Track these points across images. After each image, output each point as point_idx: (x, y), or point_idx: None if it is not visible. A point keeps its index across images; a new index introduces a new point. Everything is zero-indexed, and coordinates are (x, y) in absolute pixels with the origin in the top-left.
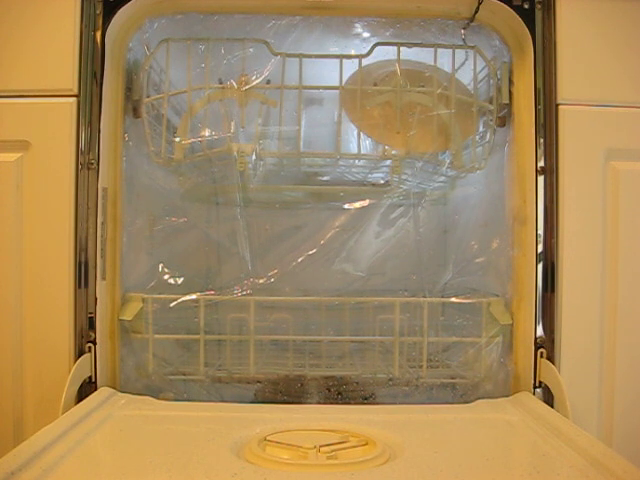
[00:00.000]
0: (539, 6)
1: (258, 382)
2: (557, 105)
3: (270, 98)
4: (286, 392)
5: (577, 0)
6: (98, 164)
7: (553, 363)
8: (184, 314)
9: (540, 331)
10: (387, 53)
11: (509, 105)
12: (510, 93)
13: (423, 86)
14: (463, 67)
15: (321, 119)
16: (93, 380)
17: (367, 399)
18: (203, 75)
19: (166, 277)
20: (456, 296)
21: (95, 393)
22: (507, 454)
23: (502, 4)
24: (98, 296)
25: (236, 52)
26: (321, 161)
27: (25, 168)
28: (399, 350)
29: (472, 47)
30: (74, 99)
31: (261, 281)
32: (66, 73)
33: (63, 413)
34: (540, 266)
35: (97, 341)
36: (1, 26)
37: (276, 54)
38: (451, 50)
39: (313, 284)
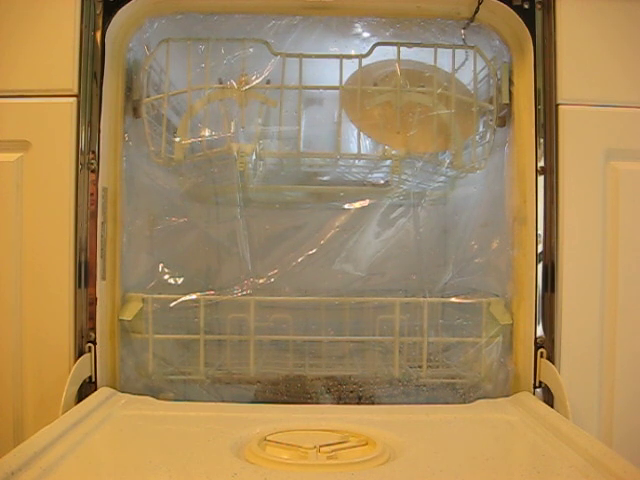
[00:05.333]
0: (539, 6)
1: (258, 382)
2: (557, 105)
3: (270, 98)
4: (286, 392)
5: (577, 0)
6: (98, 164)
7: (553, 363)
8: (184, 314)
9: (540, 331)
10: (387, 53)
11: (509, 105)
12: (510, 93)
13: (423, 86)
14: (463, 67)
15: (321, 119)
16: (93, 380)
17: (367, 399)
18: (203, 75)
19: (166, 277)
20: (456, 296)
21: (95, 393)
22: (507, 454)
23: (502, 4)
24: (98, 296)
25: (236, 52)
26: (321, 161)
27: (25, 168)
28: (399, 350)
29: (472, 47)
30: (74, 99)
31: (261, 281)
32: (66, 73)
33: (63, 413)
34: (540, 266)
35: (97, 341)
36: (1, 26)
37: (276, 54)
38: (451, 50)
39: (313, 284)
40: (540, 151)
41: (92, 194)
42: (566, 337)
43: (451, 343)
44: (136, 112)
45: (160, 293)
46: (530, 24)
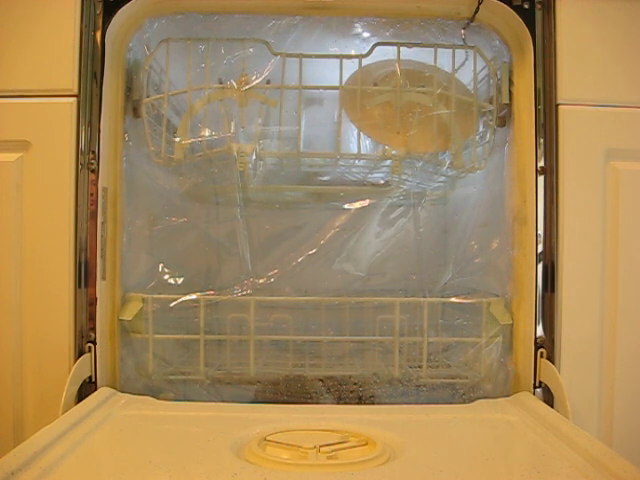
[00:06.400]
0: (539, 6)
1: (258, 382)
2: (557, 105)
3: (270, 98)
4: (286, 392)
5: (577, 0)
6: (98, 164)
7: (553, 363)
8: (184, 314)
9: (540, 331)
10: (387, 53)
11: (509, 105)
12: (510, 93)
13: (423, 86)
14: (463, 67)
15: (321, 119)
16: (93, 380)
17: (367, 399)
18: (203, 75)
19: (166, 277)
20: (456, 296)
21: (95, 393)
22: (507, 454)
23: (502, 4)
24: (98, 296)
25: (236, 52)
26: (321, 161)
27: (25, 168)
28: (399, 350)
29: (472, 47)
30: (74, 99)
31: (261, 281)
32: (66, 73)
33: (63, 413)
34: (540, 266)
35: (97, 341)
36: (2, 26)
37: (276, 54)
38: (451, 50)
39: (313, 284)
40: (540, 151)
41: (92, 194)
42: (566, 337)
43: (451, 343)
44: (136, 112)
45: (160, 293)
46: (530, 24)
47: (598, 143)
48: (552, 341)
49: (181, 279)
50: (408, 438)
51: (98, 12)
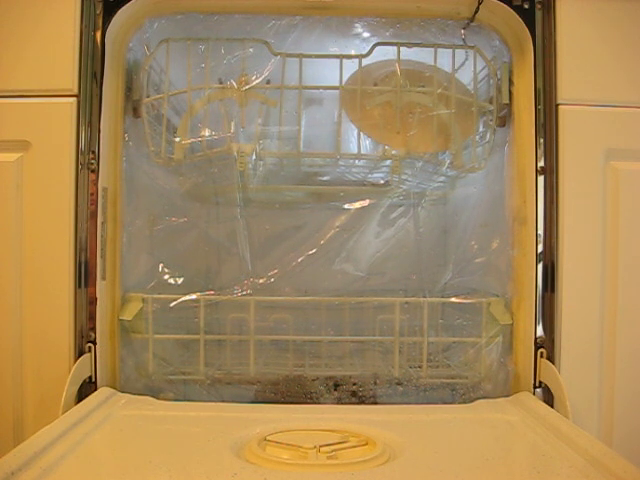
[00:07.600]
0: (539, 6)
1: (258, 382)
2: (557, 105)
3: (270, 98)
4: (286, 392)
5: (577, 0)
6: (98, 164)
7: (553, 363)
8: (184, 314)
9: (540, 331)
10: (387, 53)
11: (509, 105)
12: (510, 93)
13: (423, 86)
14: (463, 67)
15: (321, 119)
16: (93, 380)
17: (367, 399)
18: (203, 75)
19: (166, 277)
20: (456, 296)
21: (95, 393)
22: (507, 454)
23: (502, 4)
24: (98, 296)
25: (236, 52)
26: (321, 161)
27: (25, 168)
28: (399, 350)
29: (472, 47)
30: (74, 99)
31: (261, 281)
32: (66, 73)
33: (63, 413)
34: (540, 266)
35: (97, 341)
36: (2, 26)
37: (276, 54)
38: (451, 50)
39: (313, 284)
40: (540, 151)
41: (92, 194)
42: (566, 337)
43: (451, 343)
44: (136, 112)
45: (160, 293)
46: (530, 24)
47: (598, 143)
48: (552, 341)
49: (181, 279)
50: (408, 438)
51: (98, 12)
